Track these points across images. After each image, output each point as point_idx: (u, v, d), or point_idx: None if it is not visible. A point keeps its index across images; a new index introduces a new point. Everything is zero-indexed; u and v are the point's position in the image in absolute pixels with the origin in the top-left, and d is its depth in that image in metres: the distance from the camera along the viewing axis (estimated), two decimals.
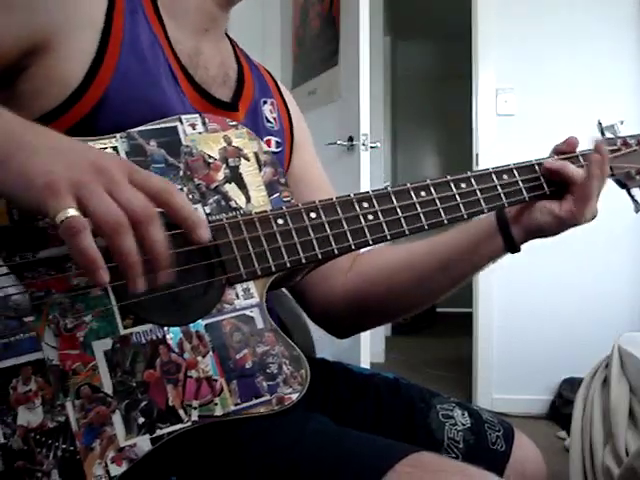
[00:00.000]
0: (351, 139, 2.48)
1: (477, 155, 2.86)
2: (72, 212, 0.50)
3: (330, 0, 2.76)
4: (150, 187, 0.54)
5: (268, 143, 0.87)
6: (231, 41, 0.91)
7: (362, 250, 0.79)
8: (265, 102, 0.89)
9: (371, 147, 2.45)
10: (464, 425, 0.84)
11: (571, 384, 2.65)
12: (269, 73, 0.96)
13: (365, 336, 2.37)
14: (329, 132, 2.59)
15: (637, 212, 0.91)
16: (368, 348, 2.39)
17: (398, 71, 5.06)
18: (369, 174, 2.43)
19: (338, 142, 2.52)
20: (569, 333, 2.77)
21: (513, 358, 2.84)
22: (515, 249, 0.85)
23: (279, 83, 0.96)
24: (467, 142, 3.00)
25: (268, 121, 0.88)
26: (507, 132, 2.80)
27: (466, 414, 0.86)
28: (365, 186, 2.38)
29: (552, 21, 2.81)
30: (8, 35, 0.65)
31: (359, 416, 0.85)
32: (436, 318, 4.92)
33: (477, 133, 2.87)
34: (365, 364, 2.34)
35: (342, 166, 2.54)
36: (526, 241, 0.85)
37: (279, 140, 0.88)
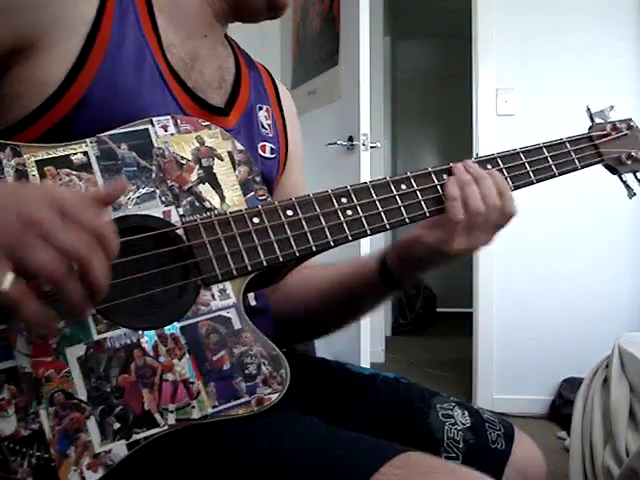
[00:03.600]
0: (351, 139, 2.48)
1: (477, 155, 2.86)
2: (9, 279, 0.49)
3: (330, 0, 2.75)
4: (83, 223, 0.53)
5: (263, 149, 0.86)
6: (232, 43, 0.91)
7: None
8: (261, 108, 0.88)
9: (371, 147, 2.45)
10: (464, 425, 0.84)
11: (571, 384, 2.64)
12: (270, 76, 0.95)
13: (365, 336, 2.37)
14: (329, 132, 2.59)
15: (630, 198, 0.89)
16: (368, 348, 2.40)
17: (398, 71, 5.06)
18: (369, 174, 2.43)
19: (338, 142, 2.52)
20: (569, 333, 2.76)
21: (513, 358, 2.84)
22: (395, 283, 0.82)
23: (280, 87, 0.95)
24: (467, 142, 3.00)
25: (263, 127, 0.87)
26: (507, 132, 2.80)
27: (466, 414, 0.85)
28: None
29: (552, 21, 2.81)
30: None
31: (359, 416, 0.85)
32: (436, 318, 4.92)
33: (477, 133, 2.87)
34: (365, 364, 2.34)
35: (342, 166, 2.54)
36: (405, 276, 0.82)
37: (273, 146, 0.88)
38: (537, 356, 2.80)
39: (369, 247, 2.31)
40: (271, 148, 0.88)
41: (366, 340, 2.38)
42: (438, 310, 4.97)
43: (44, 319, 0.52)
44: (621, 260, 2.79)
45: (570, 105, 2.73)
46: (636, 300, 2.78)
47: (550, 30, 2.81)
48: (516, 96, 2.83)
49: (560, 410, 2.65)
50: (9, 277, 0.49)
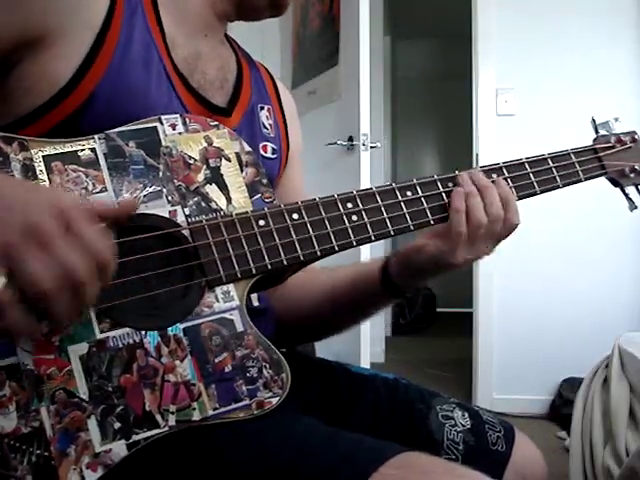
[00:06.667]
0: (351, 139, 2.48)
1: (477, 155, 2.86)
2: (1, 282, 0.49)
3: (330, 0, 2.75)
4: (86, 242, 0.53)
5: (264, 149, 0.86)
6: (232, 43, 0.90)
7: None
8: (262, 108, 0.88)
9: (371, 147, 2.45)
10: (464, 426, 0.84)
11: (571, 384, 2.64)
12: (270, 75, 0.95)
13: (365, 336, 2.37)
14: (329, 132, 2.59)
15: (632, 211, 0.89)
16: (368, 348, 2.39)
17: (398, 71, 5.06)
18: (369, 174, 2.43)
19: (338, 142, 2.52)
20: (569, 333, 2.76)
21: (513, 358, 2.84)
22: (396, 290, 0.83)
23: (279, 86, 0.95)
24: (467, 142, 3.00)
25: (264, 127, 0.87)
26: (507, 132, 2.80)
27: (466, 415, 0.85)
28: (365, 186, 2.38)
29: (552, 21, 2.80)
30: (3, 31, 0.65)
31: (358, 417, 0.85)
32: (436, 318, 4.92)
33: (477, 133, 2.87)
34: (365, 364, 2.34)
35: (342, 166, 2.54)
36: (408, 284, 0.83)
37: (275, 147, 0.88)
38: (537, 356, 2.80)
39: (369, 251, 2.31)
40: (272, 148, 0.87)
41: (366, 340, 2.38)
42: (438, 310, 4.97)
43: (25, 327, 0.51)
44: (621, 260, 2.79)
45: (570, 105, 2.74)
46: (636, 300, 2.78)
47: (550, 30, 2.81)
48: (516, 96, 2.83)
49: (560, 410, 2.65)
50: (1, 281, 0.49)
